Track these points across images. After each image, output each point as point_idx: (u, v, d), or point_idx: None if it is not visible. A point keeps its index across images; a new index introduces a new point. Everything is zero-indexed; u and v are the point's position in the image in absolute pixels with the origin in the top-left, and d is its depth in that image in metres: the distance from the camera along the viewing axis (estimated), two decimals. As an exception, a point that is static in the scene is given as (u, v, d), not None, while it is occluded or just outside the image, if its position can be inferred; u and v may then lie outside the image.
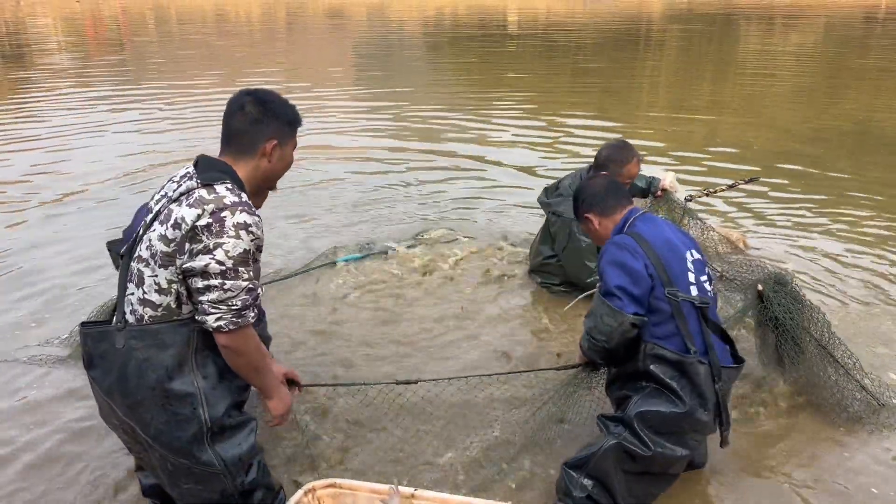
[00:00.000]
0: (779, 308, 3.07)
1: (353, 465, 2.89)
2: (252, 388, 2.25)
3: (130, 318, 1.99)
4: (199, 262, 1.87)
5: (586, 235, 4.00)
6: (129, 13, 29.05)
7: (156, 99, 11.03)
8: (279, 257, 4.90)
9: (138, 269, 1.97)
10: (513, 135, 8.73)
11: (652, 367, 2.47)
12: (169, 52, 17.96)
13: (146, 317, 1.96)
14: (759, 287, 3.16)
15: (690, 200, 4.47)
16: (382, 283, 4.54)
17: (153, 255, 1.93)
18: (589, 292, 3.88)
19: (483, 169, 7.19)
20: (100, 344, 2.01)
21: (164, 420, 1.99)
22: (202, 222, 1.86)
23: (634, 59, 17.46)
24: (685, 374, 2.44)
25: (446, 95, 11.84)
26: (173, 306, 1.95)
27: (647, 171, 4.40)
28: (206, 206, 1.87)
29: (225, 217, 1.87)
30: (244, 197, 1.95)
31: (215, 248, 1.86)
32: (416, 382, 2.94)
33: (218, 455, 2.06)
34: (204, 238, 1.86)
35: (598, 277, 2.60)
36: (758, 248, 5.06)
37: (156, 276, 1.93)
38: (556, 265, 4.29)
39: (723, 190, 4.85)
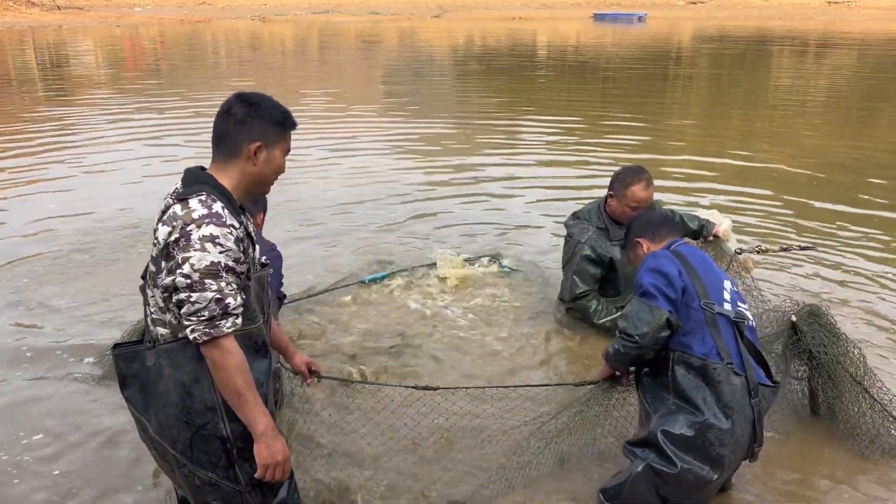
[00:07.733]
0: (813, 341, 3.02)
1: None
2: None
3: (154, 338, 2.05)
4: (171, 278, 1.90)
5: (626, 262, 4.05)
6: (166, 37, 29.75)
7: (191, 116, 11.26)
8: (309, 275, 4.97)
9: (147, 291, 2.04)
10: (540, 158, 8.73)
11: (677, 374, 2.49)
12: (205, 72, 18.36)
13: (160, 337, 2.01)
14: (793, 318, 3.12)
15: (740, 254, 4.43)
16: (408, 300, 4.60)
17: (150, 276, 2.00)
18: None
19: (510, 192, 7.18)
20: (131, 364, 2.06)
21: (189, 436, 2.02)
22: (172, 238, 1.89)
23: (665, 83, 17.41)
24: (709, 381, 2.44)
25: (474, 115, 11.90)
26: (175, 324, 1.97)
27: (685, 205, 4.34)
28: (175, 223, 1.90)
29: (191, 231, 1.88)
30: (216, 207, 1.92)
31: (183, 262, 1.87)
32: (435, 389, 3.01)
33: (245, 472, 2.06)
34: (174, 254, 1.89)
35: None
36: (789, 270, 5.00)
37: (154, 296, 1.99)
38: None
39: (775, 252, 4.83)
